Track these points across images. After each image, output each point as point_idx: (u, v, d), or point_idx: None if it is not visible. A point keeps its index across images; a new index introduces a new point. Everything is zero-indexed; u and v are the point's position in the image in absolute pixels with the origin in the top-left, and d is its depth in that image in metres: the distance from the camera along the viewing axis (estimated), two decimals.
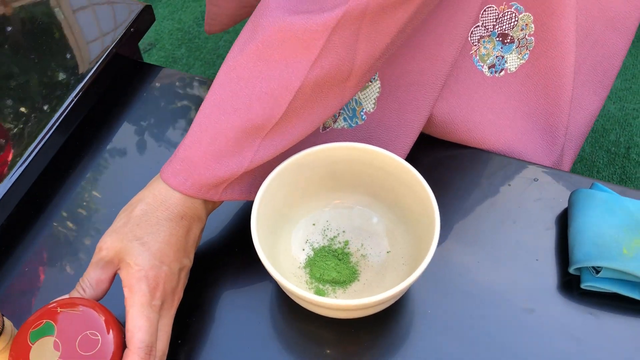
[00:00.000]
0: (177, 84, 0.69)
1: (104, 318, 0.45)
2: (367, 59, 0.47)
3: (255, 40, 0.46)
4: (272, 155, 0.48)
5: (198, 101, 0.68)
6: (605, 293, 0.55)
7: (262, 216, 0.49)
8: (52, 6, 0.69)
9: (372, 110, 0.57)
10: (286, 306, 0.54)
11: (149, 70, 0.69)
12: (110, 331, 0.44)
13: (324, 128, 0.57)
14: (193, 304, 0.54)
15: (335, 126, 0.57)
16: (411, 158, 0.59)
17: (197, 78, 0.70)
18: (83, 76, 0.62)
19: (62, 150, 0.62)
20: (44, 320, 0.44)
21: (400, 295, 0.47)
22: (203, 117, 0.47)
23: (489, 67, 0.62)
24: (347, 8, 0.44)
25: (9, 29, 0.67)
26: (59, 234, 0.58)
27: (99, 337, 0.44)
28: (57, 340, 0.44)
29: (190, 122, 0.67)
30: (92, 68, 0.62)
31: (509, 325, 0.53)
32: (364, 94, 0.56)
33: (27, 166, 0.57)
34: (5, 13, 0.68)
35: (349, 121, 0.57)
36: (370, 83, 0.56)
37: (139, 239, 0.46)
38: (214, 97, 0.47)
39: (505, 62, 0.63)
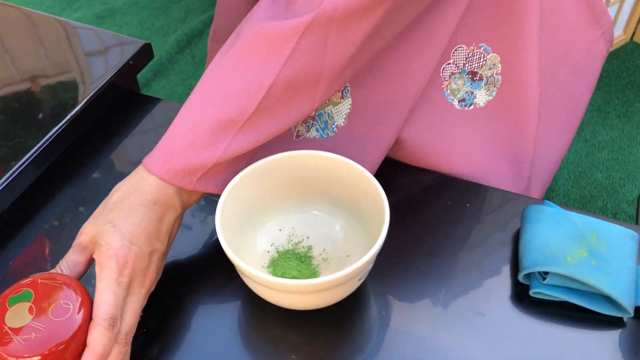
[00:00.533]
0: (172, 115, 0.77)
1: (78, 291, 0.49)
2: (335, 65, 0.54)
3: (236, 44, 0.53)
4: (244, 150, 0.54)
5: None
6: (554, 302, 0.58)
7: (227, 212, 0.53)
8: (58, 37, 0.78)
9: (342, 124, 0.63)
10: (253, 312, 0.57)
11: (146, 102, 0.77)
12: (82, 302, 0.48)
13: (297, 136, 0.62)
14: (166, 309, 0.57)
15: (308, 135, 0.62)
16: (380, 180, 0.64)
17: None
18: (78, 101, 0.70)
19: (52, 167, 0.68)
20: (24, 289, 0.49)
21: (349, 280, 0.50)
22: (185, 110, 0.54)
23: (459, 101, 0.69)
24: (316, 14, 0.51)
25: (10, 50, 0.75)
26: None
27: (71, 307, 0.48)
28: (33, 305, 0.48)
29: None
30: (89, 94, 0.70)
31: (461, 328, 0.56)
32: (336, 109, 0.63)
33: (20, 172, 0.64)
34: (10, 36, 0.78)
35: (321, 132, 0.63)
36: (342, 100, 0.62)
37: (111, 222, 0.51)
38: (197, 92, 0.54)
39: (475, 97, 0.69)
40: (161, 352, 0.55)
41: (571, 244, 0.57)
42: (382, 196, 0.53)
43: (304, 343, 0.54)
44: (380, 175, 0.61)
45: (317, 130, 0.63)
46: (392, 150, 0.68)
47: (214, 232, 0.63)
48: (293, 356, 0.53)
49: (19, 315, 0.47)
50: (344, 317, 0.56)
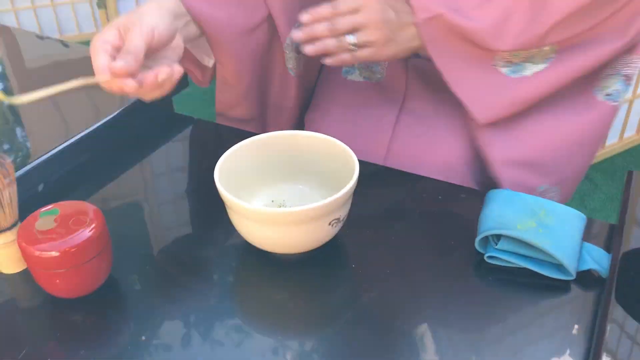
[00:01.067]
0: (205, 134, 0.90)
1: (93, 211, 0.60)
2: None
3: None
4: None
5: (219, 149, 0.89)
6: (506, 268, 0.64)
7: (225, 174, 0.64)
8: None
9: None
10: (242, 274, 0.67)
11: (179, 120, 0.91)
12: (94, 219, 0.59)
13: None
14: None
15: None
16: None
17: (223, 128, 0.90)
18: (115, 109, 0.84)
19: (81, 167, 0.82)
20: (53, 207, 0.60)
21: (317, 219, 0.59)
22: None
23: (606, 95, 0.81)
24: None
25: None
26: None
27: (87, 221, 0.59)
28: (58, 217, 0.59)
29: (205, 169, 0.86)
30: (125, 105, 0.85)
31: (426, 290, 0.63)
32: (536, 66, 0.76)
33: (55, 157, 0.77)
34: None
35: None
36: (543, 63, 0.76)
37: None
38: None
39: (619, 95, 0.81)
40: (157, 310, 0.64)
41: (522, 217, 0.65)
42: (353, 157, 0.64)
43: (287, 299, 0.62)
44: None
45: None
46: None
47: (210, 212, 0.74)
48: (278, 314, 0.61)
49: (46, 223, 0.58)
50: (323, 276, 0.65)
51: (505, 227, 0.64)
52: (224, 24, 0.78)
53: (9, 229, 0.61)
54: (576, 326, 0.58)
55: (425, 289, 0.63)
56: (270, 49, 0.86)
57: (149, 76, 0.64)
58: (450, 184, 0.78)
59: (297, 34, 0.74)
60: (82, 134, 0.80)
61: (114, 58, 0.63)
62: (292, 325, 0.59)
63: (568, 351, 0.56)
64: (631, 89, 0.79)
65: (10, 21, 2.50)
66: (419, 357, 0.56)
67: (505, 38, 0.73)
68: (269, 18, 0.83)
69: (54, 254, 0.56)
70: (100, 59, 0.63)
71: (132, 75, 0.63)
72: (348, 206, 0.64)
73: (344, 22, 0.72)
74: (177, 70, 0.66)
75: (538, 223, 0.64)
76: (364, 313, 0.60)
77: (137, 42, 0.64)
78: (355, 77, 0.92)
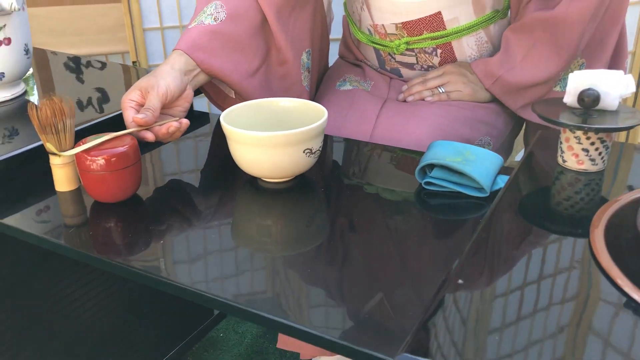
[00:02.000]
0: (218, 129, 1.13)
1: (130, 138, 0.82)
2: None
3: None
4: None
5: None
6: (437, 192, 0.84)
7: (227, 119, 0.86)
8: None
9: None
10: (242, 211, 0.87)
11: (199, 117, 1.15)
12: (131, 141, 0.81)
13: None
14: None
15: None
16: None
17: None
18: None
19: None
20: (103, 134, 0.82)
21: (294, 144, 0.80)
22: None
23: None
24: None
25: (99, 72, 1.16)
26: None
27: (125, 142, 0.80)
28: (105, 138, 0.81)
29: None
30: None
31: (379, 211, 0.83)
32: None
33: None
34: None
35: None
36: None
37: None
38: None
39: None
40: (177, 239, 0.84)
41: (451, 155, 0.85)
42: (323, 109, 0.85)
43: (273, 223, 0.83)
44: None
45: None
46: None
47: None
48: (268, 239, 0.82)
49: (95, 140, 0.80)
50: (303, 205, 0.85)
51: (436, 159, 0.84)
52: (230, 71, 1.01)
53: (67, 151, 0.82)
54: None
55: (380, 210, 0.83)
56: (288, 76, 1.10)
57: (162, 129, 0.88)
58: (401, 148, 0.99)
59: (401, 95, 1.13)
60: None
61: (138, 112, 0.88)
62: (277, 245, 0.79)
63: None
64: None
65: None
66: (377, 261, 0.75)
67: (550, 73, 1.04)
68: (267, 61, 1.08)
69: (101, 159, 0.78)
70: (128, 114, 0.87)
71: (149, 124, 0.87)
72: (319, 142, 0.85)
73: (433, 82, 1.10)
74: (184, 123, 0.90)
75: (463, 159, 0.85)
76: (333, 235, 0.80)
77: (154, 102, 0.88)
78: (347, 87, 1.16)
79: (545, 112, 0.79)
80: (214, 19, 1.00)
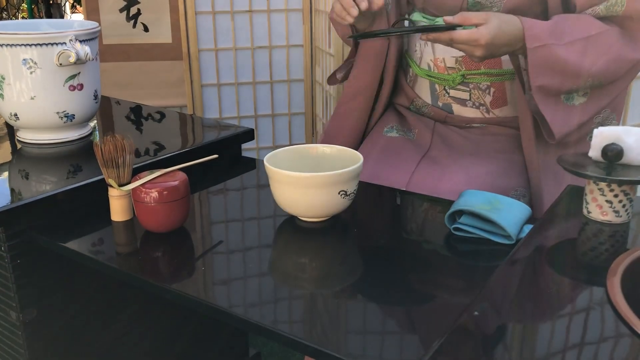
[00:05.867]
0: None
1: (180, 175, 0.89)
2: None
3: None
4: None
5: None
6: (466, 239, 0.87)
7: (269, 162, 0.93)
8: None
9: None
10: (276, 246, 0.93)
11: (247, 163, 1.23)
12: (182, 177, 0.88)
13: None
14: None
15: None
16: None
17: None
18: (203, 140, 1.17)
19: None
20: (156, 170, 0.90)
21: (329, 185, 0.86)
22: None
23: None
24: None
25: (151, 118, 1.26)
26: None
27: (176, 177, 0.88)
28: (157, 176, 0.88)
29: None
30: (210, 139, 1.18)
31: (410, 253, 0.87)
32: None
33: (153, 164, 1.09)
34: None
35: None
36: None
37: None
38: None
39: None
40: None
41: (480, 203, 0.89)
42: (358, 156, 0.92)
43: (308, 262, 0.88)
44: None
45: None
46: None
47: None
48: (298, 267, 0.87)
49: (150, 175, 0.88)
50: (337, 244, 0.90)
51: (466, 206, 0.88)
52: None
53: (124, 184, 0.91)
54: None
55: (411, 252, 0.87)
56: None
57: None
58: (433, 196, 1.03)
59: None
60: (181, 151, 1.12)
61: None
62: (312, 281, 0.84)
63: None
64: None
65: None
66: (409, 299, 0.79)
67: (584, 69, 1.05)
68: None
69: (154, 192, 0.85)
70: None
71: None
72: (354, 185, 0.90)
73: (473, 19, 1.02)
74: None
75: (492, 207, 0.89)
76: (365, 273, 0.84)
77: None
78: (393, 134, 1.23)
79: (571, 165, 0.82)
80: None
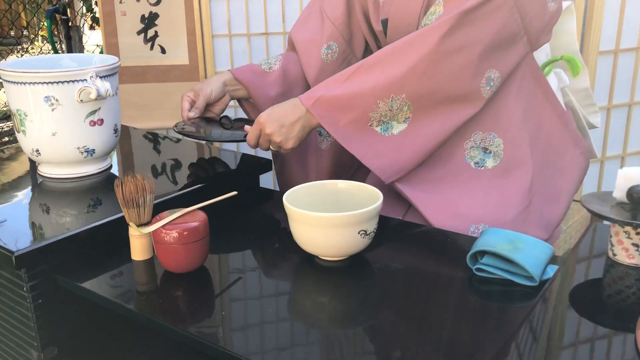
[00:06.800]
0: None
1: (200, 214, 0.89)
2: None
3: None
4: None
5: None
6: (488, 279, 0.86)
7: (289, 199, 0.93)
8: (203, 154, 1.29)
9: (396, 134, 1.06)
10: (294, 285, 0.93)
11: (264, 193, 1.22)
12: (201, 219, 0.88)
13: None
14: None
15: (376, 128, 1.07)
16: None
17: None
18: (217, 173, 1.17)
19: None
20: (177, 210, 0.90)
21: (349, 225, 0.85)
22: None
23: (474, 163, 1.09)
24: None
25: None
26: None
27: (197, 219, 0.88)
28: (180, 214, 0.89)
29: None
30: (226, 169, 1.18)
31: (432, 294, 0.86)
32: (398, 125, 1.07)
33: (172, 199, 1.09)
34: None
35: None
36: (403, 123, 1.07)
37: None
38: None
39: (485, 162, 1.09)
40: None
41: (502, 243, 0.88)
42: (378, 193, 0.91)
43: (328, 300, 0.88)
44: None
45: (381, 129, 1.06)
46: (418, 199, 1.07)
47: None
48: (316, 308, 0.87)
49: (171, 216, 0.88)
50: (356, 284, 0.90)
51: (488, 246, 0.87)
52: (263, 89, 1.29)
53: (145, 224, 0.91)
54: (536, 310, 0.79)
55: (432, 293, 0.86)
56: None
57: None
58: (452, 232, 1.02)
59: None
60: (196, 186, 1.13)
61: (191, 102, 1.23)
62: (331, 321, 0.84)
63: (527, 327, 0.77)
64: (491, 156, 1.09)
65: None
66: (427, 340, 0.78)
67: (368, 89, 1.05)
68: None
69: (174, 233, 0.85)
70: (185, 104, 1.23)
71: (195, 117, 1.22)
72: (374, 224, 0.90)
73: (264, 146, 1.13)
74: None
75: (513, 247, 0.87)
76: (386, 314, 0.84)
77: (200, 102, 1.23)
78: None
79: (595, 207, 0.81)
80: (269, 67, 1.32)
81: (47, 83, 1.03)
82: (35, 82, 1.03)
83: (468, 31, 1.01)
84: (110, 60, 1.12)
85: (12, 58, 4.89)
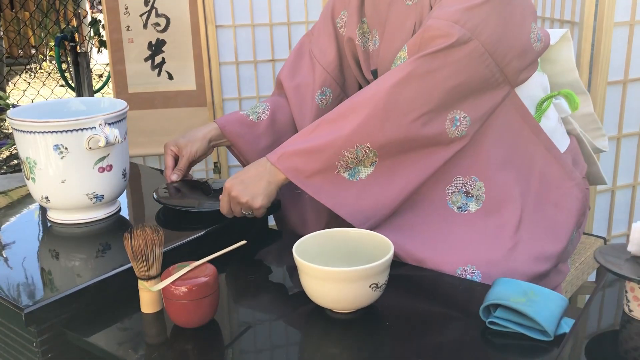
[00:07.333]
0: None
1: (211, 268, 0.89)
2: None
3: None
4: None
5: None
6: (501, 332, 0.85)
7: (299, 253, 0.92)
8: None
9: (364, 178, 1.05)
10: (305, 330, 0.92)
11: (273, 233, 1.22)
12: (211, 273, 0.88)
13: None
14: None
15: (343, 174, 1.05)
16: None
17: None
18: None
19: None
20: (187, 263, 0.90)
21: (359, 279, 0.84)
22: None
23: (457, 208, 1.07)
24: None
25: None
26: None
27: (207, 273, 0.87)
28: (190, 268, 0.88)
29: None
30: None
31: (444, 349, 0.85)
32: (365, 169, 1.05)
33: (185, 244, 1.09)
34: None
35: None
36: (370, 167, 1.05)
37: None
38: None
39: (468, 206, 1.08)
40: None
41: (515, 295, 0.87)
42: (389, 243, 0.90)
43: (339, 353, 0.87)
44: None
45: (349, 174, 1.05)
46: (405, 244, 1.05)
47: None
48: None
49: (181, 270, 0.88)
50: (367, 336, 0.89)
51: (501, 299, 0.86)
52: (252, 142, 1.27)
53: (154, 277, 0.90)
54: None
55: (445, 347, 0.85)
56: None
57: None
58: (465, 280, 1.01)
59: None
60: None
61: (174, 157, 1.24)
62: None
63: None
64: (473, 199, 1.07)
65: None
66: None
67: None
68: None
69: (184, 289, 0.85)
70: (168, 161, 1.24)
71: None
72: (385, 276, 0.89)
73: (236, 211, 1.10)
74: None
75: (527, 300, 0.86)
76: None
77: (184, 163, 1.23)
78: None
79: (609, 262, 0.80)
80: (257, 117, 1.30)
81: (56, 132, 1.03)
82: (44, 132, 1.03)
83: (425, 77, 1.00)
84: (118, 105, 1.12)
85: (19, 80, 4.92)
